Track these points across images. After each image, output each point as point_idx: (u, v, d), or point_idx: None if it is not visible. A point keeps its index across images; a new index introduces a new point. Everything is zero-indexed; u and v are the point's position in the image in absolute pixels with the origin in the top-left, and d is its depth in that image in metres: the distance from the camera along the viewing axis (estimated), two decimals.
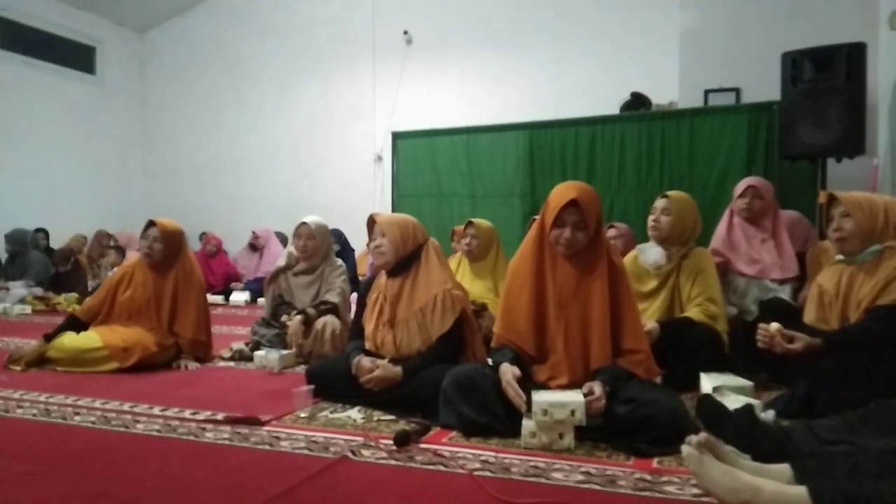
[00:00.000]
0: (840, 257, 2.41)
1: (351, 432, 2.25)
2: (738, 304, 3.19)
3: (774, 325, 2.30)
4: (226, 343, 3.83)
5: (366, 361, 2.58)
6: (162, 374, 3.25)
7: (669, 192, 3.14)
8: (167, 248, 3.53)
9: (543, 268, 2.33)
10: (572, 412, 2.01)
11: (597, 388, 2.08)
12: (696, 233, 3.11)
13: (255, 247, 7.45)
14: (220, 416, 2.42)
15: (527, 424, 2.07)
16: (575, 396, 2.04)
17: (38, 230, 7.35)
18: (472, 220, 4.16)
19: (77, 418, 2.45)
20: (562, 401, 2.02)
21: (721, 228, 3.42)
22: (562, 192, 2.27)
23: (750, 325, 2.72)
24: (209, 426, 2.34)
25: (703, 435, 1.60)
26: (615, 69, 6.64)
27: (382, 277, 2.77)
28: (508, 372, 2.17)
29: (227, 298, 6.73)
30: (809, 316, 2.45)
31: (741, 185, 3.41)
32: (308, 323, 3.44)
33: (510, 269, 2.43)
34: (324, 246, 3.76)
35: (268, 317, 3.81)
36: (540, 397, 2.05)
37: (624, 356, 2.24)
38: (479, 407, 2.19)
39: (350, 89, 8.24)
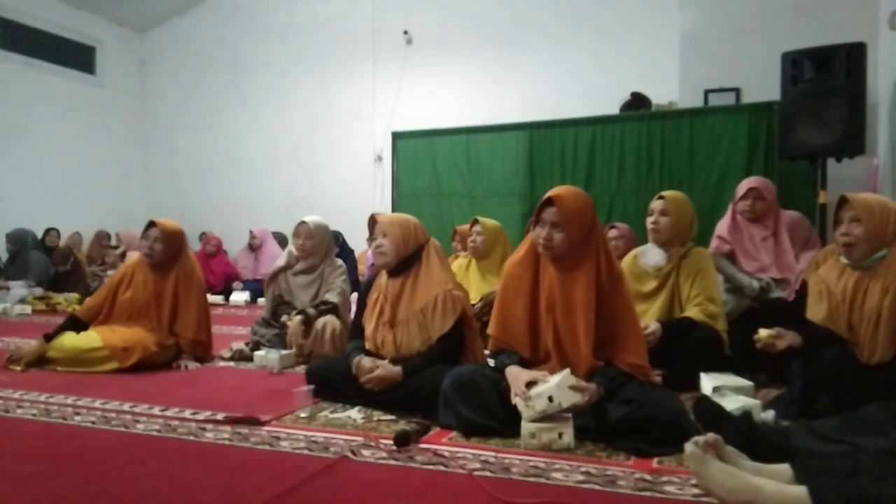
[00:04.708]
0: (845, 261, 2.38)
1: (351, 432, 2.25)
2: (734, 295, 3.21)
3: (763, 333, 2.35)
4: (226, 343, 3.83)
5: (366, 361, 2.58)
6: (162, 374, 3.25)
7: (665, 193, 3.14)
8: (168, 248, 3.53)
9: (538, 271, 2.33)
10: (560, 434, 2.04)
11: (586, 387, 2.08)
12: (694, 231, 3.12)
13: (252, 247, 7.46)
14: (220, 416, 2.42)
15: (526, 425, 2.08)
16: (550, 382, 2.05)
17: (50, 230, 7.35)
18: (479, 218, 4.19)
19: (77, 418, 2.45)
20: (549, 425, 2.05)
21: (724, 222, 3.43)
22: (549, 192, 2.28)
23: (749, 325, 2.72)
24: (209, 426, 2.34)
25: (710, 435, 1.60)
26: (615, 69, 6.64)
27: (383, 277, 2.77)
28: (522, 378, 2.14)
29: (227, 298, 6.73)
30: (818, 314, 2.40)
31: (742, 187, 3.41)
32: (308, 323, 3.44)
33: (505, 272, 2.43)
34: (323, 245, 3.76)
35: (268, 317, 3.81)
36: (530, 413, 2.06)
37: (623, 365, 2.23)
38: (479, 408, 2.19)
39: (350, 89, 8.24)
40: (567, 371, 2.08)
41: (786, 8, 4.93)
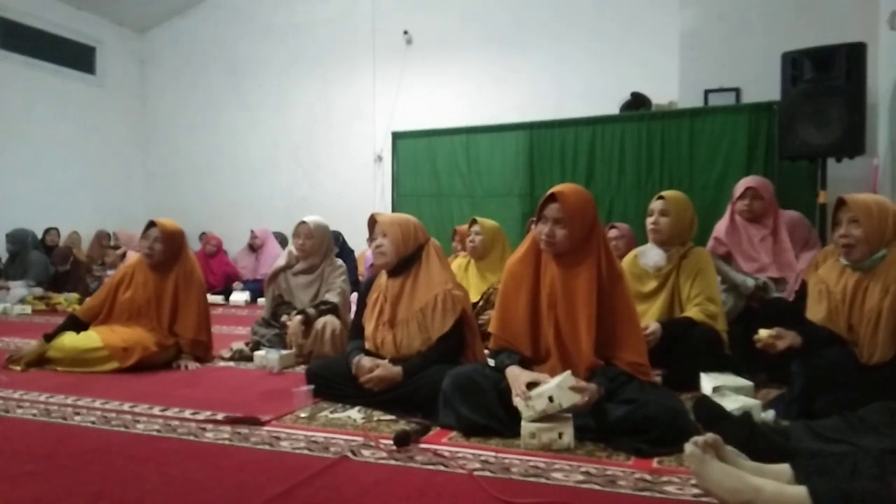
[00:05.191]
0: (844, 262, 2.37)
1: (351, 432, 2.25)
2: (731, 294, 3.21)
3: (764, 333, 2.35)
4: (226, 343, 3.83)
5: (366, 361, 2.58)
6: (162, 374, 3.25)
7: (665, 193, 3.14)
8: (168, 248, 3.53)
9: (539, 269, 2.34)
10: (560, 434, 2.04)
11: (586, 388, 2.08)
12: (694, 231, 3.12)
13: (253, 247, 7.47)
14: (220, 416, 2.42)
15: (526, 425, 2.08)
16: (551, 382, 2.06)
17: (50, 229, 7.34)
18: (477, 218, 4.20)
19: (77, 418, 2.45)
20: (550, 425, 2.05)
21: (722, 223, 3.43)
22: (551, 189, 2.30)
23: (748, 325, 2.72)
24: (209, 426, 2.34)
25: (709, 435, 1.60)
26: (615, 69, 6.64)
27: (383, 277, 2.77)
28: (522, 378, 2.14)
29: (227, 298, 6.73)
30: (818, 314, 2.40)
31: (740, 187, 3.42)
32: (308, 323, 3.44)
33: (506, 270, 2.43)
34: (323, 245, 3.76)
35: (268, 317, 3.81)
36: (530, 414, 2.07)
37: (623, 364, 2.23)
38: (479, 408, 2.20)
39: (350, 89, 8.24)
40: (568, 372, 2.08)
41: (786, 8, 4.92)
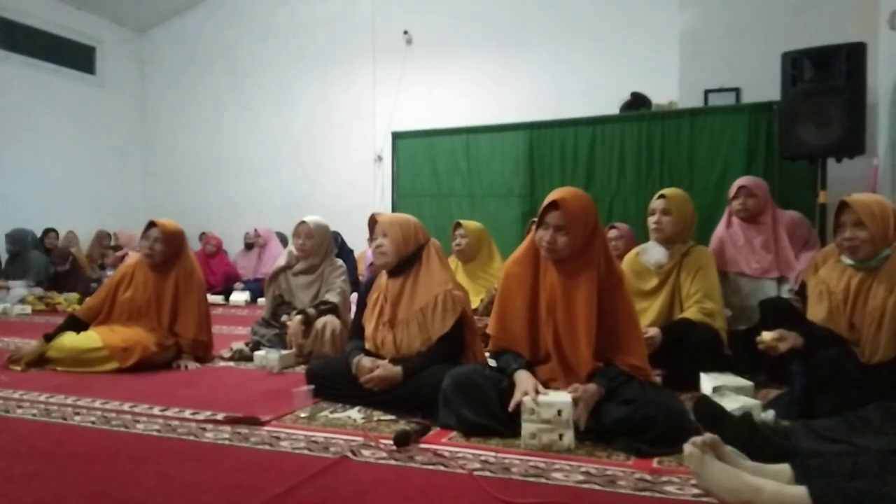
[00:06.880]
0: (849, 262, 2.37)
1: (351, 432, 2.25)
2: (739, 307, 3.20)
3: (766, 336, 2.34)
4: (226, 343, 3.83)
5: (366, 361, 2.58)
6: (162, 374, 3.25)
7: (665, 191, 3.15)
8: (168, 248, 3.53)
9: (538, 272, 2.33)
10: (560, 436, 2.04)
11: (582, 391, 2.08)
12: (693, 228, 3.13)
13: (250, 245, 7.47)
14: (220, 416, 2.42)
15: (527, 426, 2.08)
16: (564, 396, 2.07)
17: (49, 230, 7.34)
18: (461, 221, 4.19)
19: (77, 418, 2.45)
20: (550, 426, 2.05)
21: (720, 230, 3.43)
22: (550, 195, 2.27)
23: (749, 327, 2.72)
24: (209, 426, 2.34)
25: (708, 435, 1.61)
26: (615, 69, 6.63)
27: (383, 277, 2.77)
28: (529, 382, 2.15)
29: (227, 298, 6.73)
30: (819, 314, 2.40)
31: (733, 187, 3.44)
32: (308, 323, 3.44)
33: (505, 272, 2.43)
34: (323, 245, 3.76)
35: (268, 317, 3.81)
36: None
37: (623, 366, 2.23)
38: (479, 408, 2.20)
39: (350, 89, 8.23)
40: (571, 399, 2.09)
41: (786, 8, 4.92)
